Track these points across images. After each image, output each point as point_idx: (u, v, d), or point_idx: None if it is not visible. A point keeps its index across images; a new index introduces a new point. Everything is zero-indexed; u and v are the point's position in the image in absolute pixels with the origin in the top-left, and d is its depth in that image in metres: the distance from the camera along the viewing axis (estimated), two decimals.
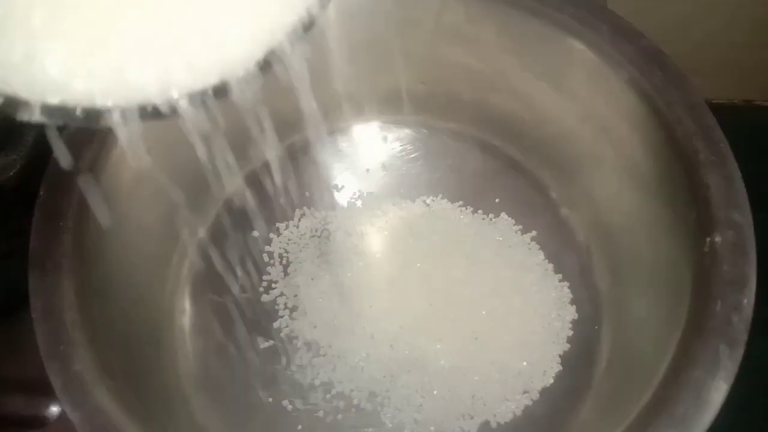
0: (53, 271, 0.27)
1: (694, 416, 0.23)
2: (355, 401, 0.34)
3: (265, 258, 0.39)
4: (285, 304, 0.38)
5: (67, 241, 0.28)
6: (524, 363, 0.35)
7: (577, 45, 0.33)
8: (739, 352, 0.24)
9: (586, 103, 0.35)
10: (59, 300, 0.27)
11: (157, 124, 0.18)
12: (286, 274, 0.39)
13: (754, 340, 0.36)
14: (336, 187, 0.42)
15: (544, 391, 0.34)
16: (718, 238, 0.27)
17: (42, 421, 0.36)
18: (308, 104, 0.26)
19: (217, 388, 0.35)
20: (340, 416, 0.34)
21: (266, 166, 0.41)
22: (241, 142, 0.39)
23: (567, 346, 0.35)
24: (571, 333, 0.36)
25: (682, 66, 0.32)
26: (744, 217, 0.27)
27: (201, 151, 0.25)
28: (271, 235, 0.40)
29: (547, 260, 0.38)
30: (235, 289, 0.38)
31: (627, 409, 0.26)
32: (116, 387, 0.26)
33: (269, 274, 0.39)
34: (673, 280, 0.30)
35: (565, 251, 0.38)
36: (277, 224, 0.40)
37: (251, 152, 0.40)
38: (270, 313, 0.38)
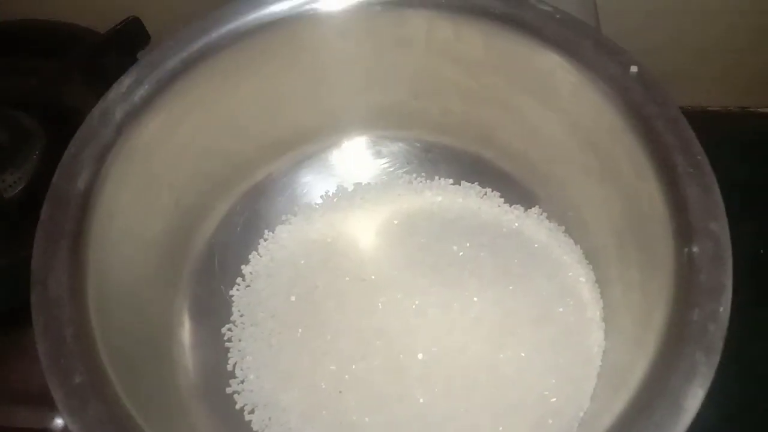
0: (54, 288, 0.28)
1: (670, 423, 0.24)
2: None
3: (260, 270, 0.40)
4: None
5: (68, 260, 0.29)
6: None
7: (561, 61, 0.34)
8: (715, 359, 0.25)
9: (572, 117, 0.36)
10: (60, 315, 0.28)
11: None
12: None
13: (752, 341, 0.37)
14: (332, 197, 0.43)
15: None
16: (695, 248, 0.27)
17: None
18: None
19: (218, 401, 0.36)
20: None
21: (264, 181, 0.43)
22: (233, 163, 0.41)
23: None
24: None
25: (677, 74, 0.33)
26: (721, 227, 0.28)
27: None
28: (266, 244, 0.41)
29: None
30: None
31: (604, 417, 0.27)
32: (116, 400, 0.27)
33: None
34: (654, 290, 0.30)
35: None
36: (274, 232, 0.41)
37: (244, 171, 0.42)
38: None
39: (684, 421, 0.24)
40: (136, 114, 0.33)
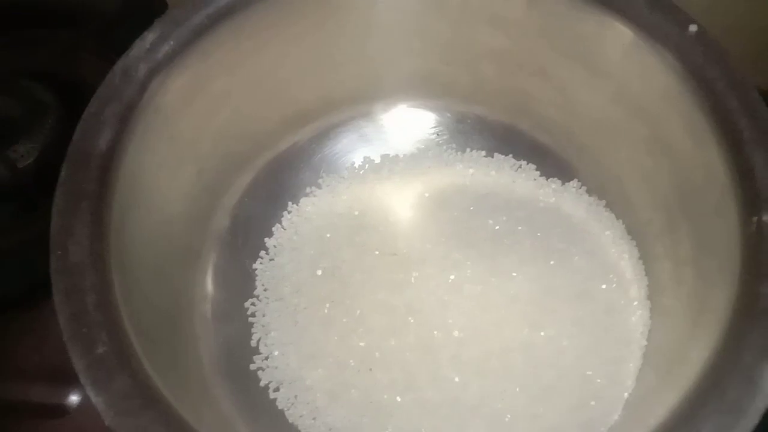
0: (75, 252, 0.26)
1: (746, 402, 0.22)
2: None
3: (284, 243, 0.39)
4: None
5: (90, 222, 0.27)
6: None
7: (611, 21, 0.32)
8: None
9: (620, 82, 0.33)
10: (81, 281, 0.26)
11: None
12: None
13: None
14: (359, 169, 0.41)
15: None
16: (766, 217, 0.25)
17: (63, 410, 0.36)
18: None
19: (241, 378, 0.34)
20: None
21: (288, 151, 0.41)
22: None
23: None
24: None
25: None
26: None
27: None
28: (291, 217, 0.39)
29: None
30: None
31: (669, 397, 0.25)
32: (142, 371, 0.25)
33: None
34: (713, 265, 0.29)
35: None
36: (298, 204, 0.40)
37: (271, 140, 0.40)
38: None
39: (762, 401, 0.22)
40: (160, 72, 0.31)
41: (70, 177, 0.28)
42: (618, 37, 0.32)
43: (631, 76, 0.33)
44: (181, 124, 0.33)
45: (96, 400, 0.23)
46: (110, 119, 0.30)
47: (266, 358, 0.35)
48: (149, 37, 0.31)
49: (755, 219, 0.26)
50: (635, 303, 0.35)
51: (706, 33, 0.30)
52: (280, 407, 0.34)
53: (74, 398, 0.36)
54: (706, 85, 0.29)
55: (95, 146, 0.29)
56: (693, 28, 0.30)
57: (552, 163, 0.40)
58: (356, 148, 0.42)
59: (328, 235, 0.39)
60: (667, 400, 0.26)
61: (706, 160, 0.29)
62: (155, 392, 0.25)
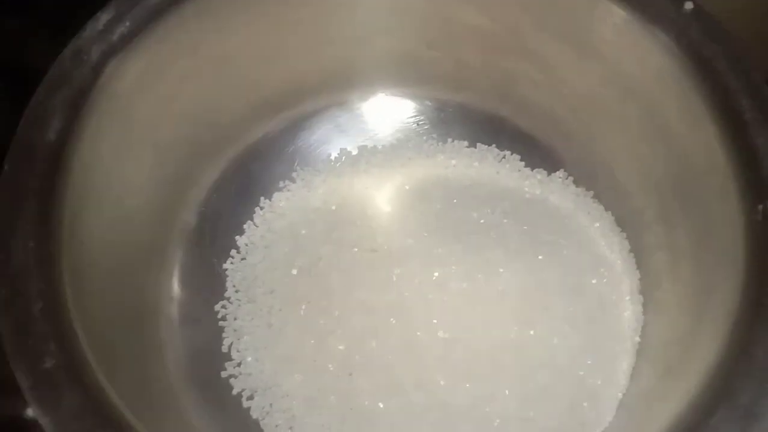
0: (19, 255, 0.24)
1: (762, 405, 0.20)
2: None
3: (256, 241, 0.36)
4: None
5: (36, 221, 0.25)
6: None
7: None
8: None
9: (611, 63, 0.32)
10: (26, 287, 0.23)
11: None
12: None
13: None
14: (335, 161, 0.38)
15: None
16: None
17: (20, 423, 0.33)
18: None
19: (212, 387, 0.32)
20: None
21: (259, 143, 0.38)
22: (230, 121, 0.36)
23: None
24: None
25: None
26: None
27: None
28: (263, 213, 0.37)
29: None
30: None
31: (672, 400, 0.24)
32: (95, 386, 0.23)
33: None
34: (713, 255, 0.27)
35: None
36: (271, 199, 0.37)
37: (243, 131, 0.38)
38: None
39: None
40: (115, 55, 0.28)
41: (13, 172, 0.25)
42: (608, 14, 0.30)
43: (624, 57, 0.31)
44: (139, 111, 0.30)
45: (43, 420, 0.21)
46: (60, 107, 0.27)
47: (239, 365, 0.33)
48: (103, 17, 0.29)
49: (761, 206, 0.24)
50: (627, 298, 0.33)
51: (702, 10, 0.28)
52: (254, 417, 0.32)
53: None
54: (704, 65, 0.27)
55: (43, 137, 0.26)
56: (689, 5, 0.28)
57: (537, 152, 0.38)
58: (332, 138, 0.39)
59: (303, 232, 0.36)
60: (668, 403, 0.24)
61: (704, 145, 0.28)
62: (111, 410, 0.22)
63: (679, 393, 0.24)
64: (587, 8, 0.31)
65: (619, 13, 0.30)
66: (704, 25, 0.28)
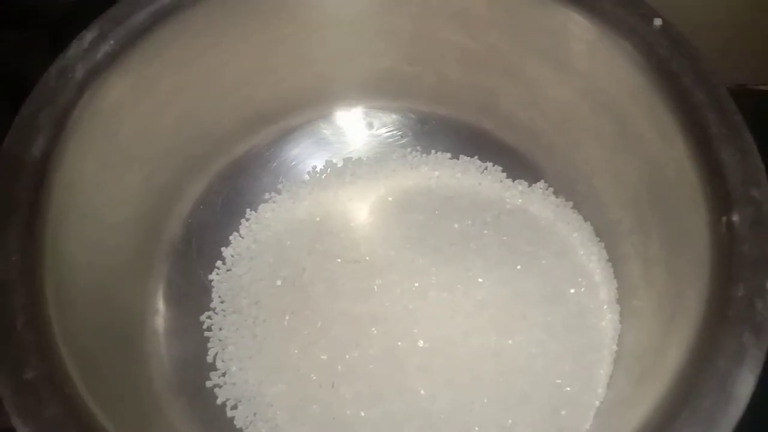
0: (3, 269, 0.24)
1: (720, 412, 0.21)
2: None
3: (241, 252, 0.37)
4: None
5: (21, 237, 0.25)
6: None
7: (575, 15, 0.31)
8: (766, 339, 0.22)
9: (585, 78, 0.32)
10: (9, 301, 0.24)
11: None
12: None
13: None
14: (320, 173, 0.39)
15: None
16: (735, 217, 0.24)
17: None
18: None
19: (197, 396, 0.33)
20: None
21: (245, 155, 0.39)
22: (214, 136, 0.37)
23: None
24: None
25: None
26: (763, 193, 0.25)
27: None
28: (249, 224, 0.38)
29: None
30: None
31: (642, 405, 0.24)
32: (76, 397, 0.23)
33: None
34: (684, 266, 0.28)
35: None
36: (257, 211, 0.38)
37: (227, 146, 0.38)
38: None
39: (735, 410, 0.21)
40: (99, 73, 0.29)
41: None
42: (582, 31, 0.31)
43: (598, 72, 0.32)
44: (125, 127, 0.31)
45: (23, 431, 0.21)
46: (45, 124, 0.28)
47: (223, 374, 0.33)
48: (87, 36, 0.29)
49: (725, 219, 0.25)
50: (605, 306, 0.34)
51: (672, 26, 0.29)
52: (238, 426, 0.32)
53: None
54: (672, 80, 0.28)
55: (28, 153, 0.27)
56: (658, 21, 0.29)
57: (519, 163, 0.39)
58: (317, 151, 0.40)
59: (288, 243, 0.37)
60: (639, 409, 0.25)
61: (675, 158, 0.28)
62: (92, 420, 0.23)
63: (650, 399, 0.25)
64: (562, 26, 0.31)
65: (592, 30, 0.30)
66: (673, 42, 0.29)
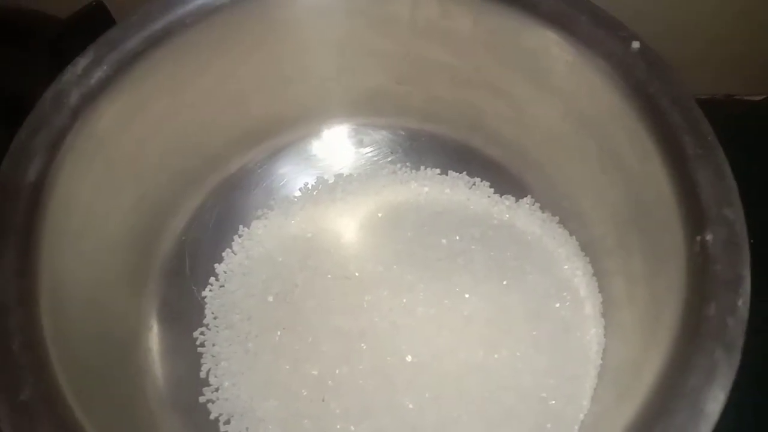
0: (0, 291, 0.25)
1: (691, 427, 0.22)
2: None
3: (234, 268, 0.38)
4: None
5: (17, 260, 0.26)
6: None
7: (555, 38, 0.32)
8: (736, 357, 0.23)
9: (568, 98, 0.33)
10: (6, 323, 0.25)
11: None
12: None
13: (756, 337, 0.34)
14: (312, 190, 0.40)
15: None
16: (709, 236, 0.25)
17: None
18: None
19: (190, 412, 0.33)
20: None
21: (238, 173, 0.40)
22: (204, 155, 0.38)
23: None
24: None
25: None
26: (736, 213, 0.26)
27: None
28: (242, 240, 0.38)
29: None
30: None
31: (610, 422, 0.25)
32: (70, 416, 0.24)
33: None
34: (663, 282, 0.28)
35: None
36: (249, 227, 0.39)
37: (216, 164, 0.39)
38: None
39: (705, 427, 0.22)
40: (93, 98, 0.30)
41: None
42: (562, 53, 0.32)
43: (579, 92, 0.32)
44: (118, 150, 0.32)
45: None
46: (40, 147, 0.28)
47: (216, 390, 0.34)
48: (81, 62, 0.30)
49: (699, 238, 0.25)
50: (589, 321, 0.35)
51: (649, 49, 0.30)
52: None
53: None
54: (649, 101, 0.29)
55: (24, 177, 0.28)
56: (636, 44, 0.30)
57: (506, 179, 0.39)
58: (308, 168, 0.41)
59: (280, 259, 0.38)
60: (620, 423, 0.25)
61: (653, 177, 0.29)
62: None
63: (629, 414, 0.25)
64: (543, 47, 0.32)
65: (571, 51, 0.31)
66: (650, 64, 0.29)
